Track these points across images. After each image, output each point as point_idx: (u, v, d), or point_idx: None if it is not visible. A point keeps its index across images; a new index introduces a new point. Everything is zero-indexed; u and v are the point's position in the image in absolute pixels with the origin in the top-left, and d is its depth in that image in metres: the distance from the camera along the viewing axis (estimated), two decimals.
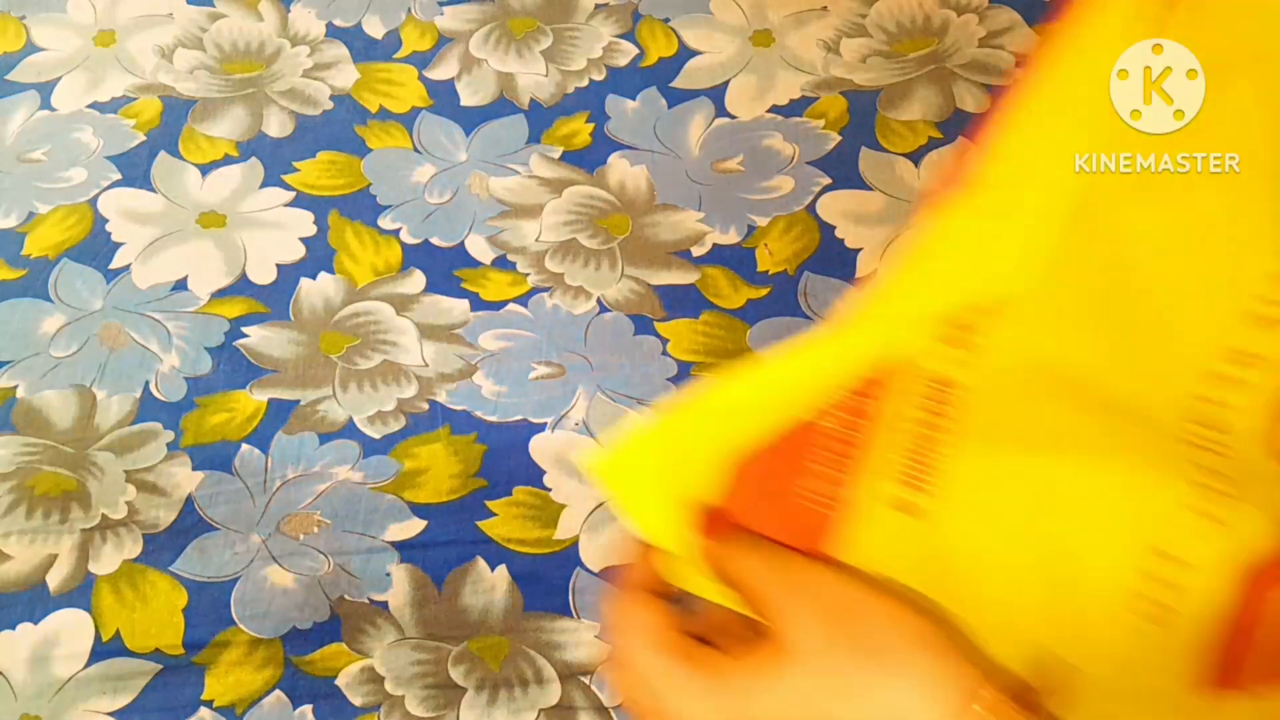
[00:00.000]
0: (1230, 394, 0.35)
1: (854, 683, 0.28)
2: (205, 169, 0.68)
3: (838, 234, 0.67)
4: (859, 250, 0.66)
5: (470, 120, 0.72)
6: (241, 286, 0.64)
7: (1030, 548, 0.34)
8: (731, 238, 0.67)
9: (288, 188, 0.67)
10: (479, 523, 0.57)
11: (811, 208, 0.68)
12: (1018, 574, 0.34)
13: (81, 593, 0.55)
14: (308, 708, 0.52)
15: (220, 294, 0.63)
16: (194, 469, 0.58)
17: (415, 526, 0.57)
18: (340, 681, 0.53)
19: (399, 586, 0.55)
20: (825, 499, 0.34)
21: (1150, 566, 0.33)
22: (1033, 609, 0.34)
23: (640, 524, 0.35)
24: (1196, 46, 0.38)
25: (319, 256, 0.64)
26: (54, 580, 0.55)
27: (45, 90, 0.71)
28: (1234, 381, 0.36)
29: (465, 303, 0.64)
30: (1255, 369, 0.35)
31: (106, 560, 0.55)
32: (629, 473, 0.37)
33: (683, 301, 0.64)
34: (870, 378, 0.37)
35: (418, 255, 0.66)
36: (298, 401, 0.60)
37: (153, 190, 0.67)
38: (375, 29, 0.75)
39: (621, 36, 0.74)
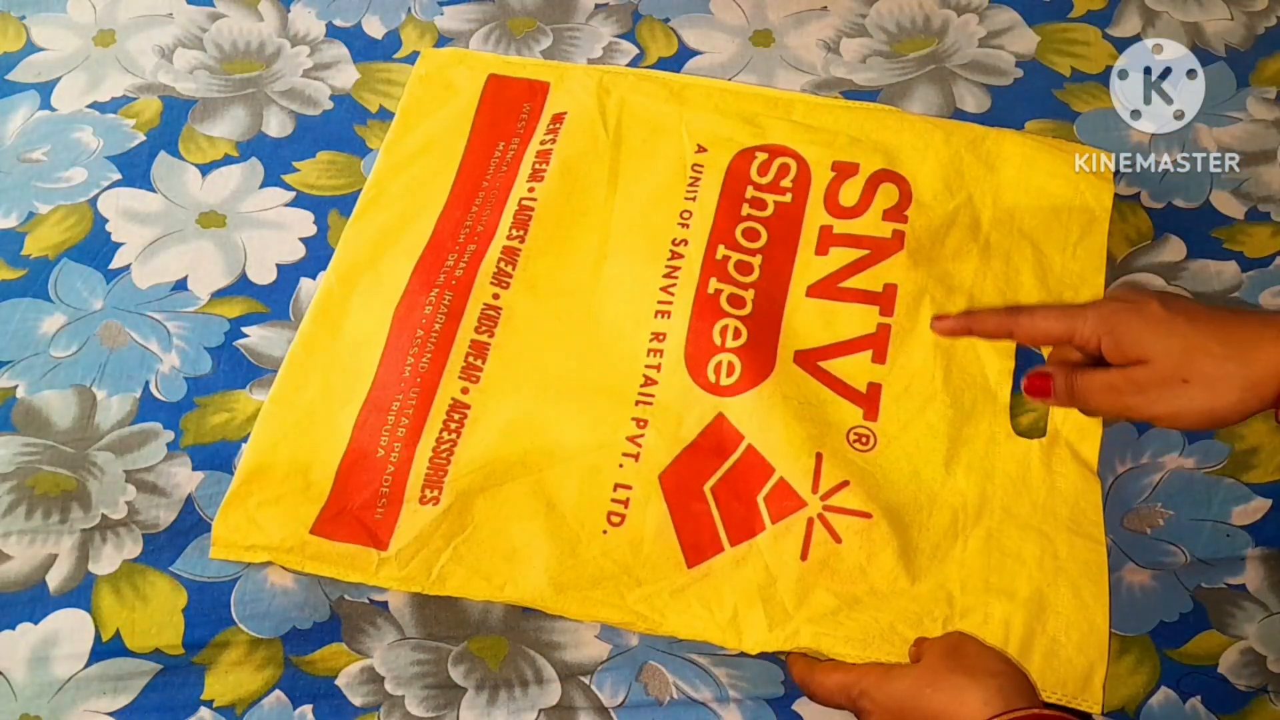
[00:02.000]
0: (656, 360, 0.59)
1: (943, 682, 0.44)
2: (205, 169, 0.68)
3: None
4: None
5: None
6: (241, 286, 0.64)
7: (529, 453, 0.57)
8: None
9: (288, 188, 0.67)
10: None
11: None
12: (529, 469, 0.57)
13: (81, 593, 0.55)
14: (308, 708, 0.52)
15: (220, 294, 0.63)
16: (194, 469, 0.58)
17: None
18: (340, 681, 0.53)
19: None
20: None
21: (612, 494, 0.56)
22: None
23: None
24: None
25: (319, 257, 0.64)
26: (54, 580, 0.55)
27: (45, 90, 0.71)
28: (657, 351, 0.60)
29: None
30: (665, 342, 0.60)
31: (106, 560, 0.55)
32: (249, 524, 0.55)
33: None
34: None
35: None
36: None
37: (153, 190, 0.67)
38: (375, 29, 0.75)
39: (621, 36, 0.74)
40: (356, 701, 0.52)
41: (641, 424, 0.57)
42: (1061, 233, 0.63)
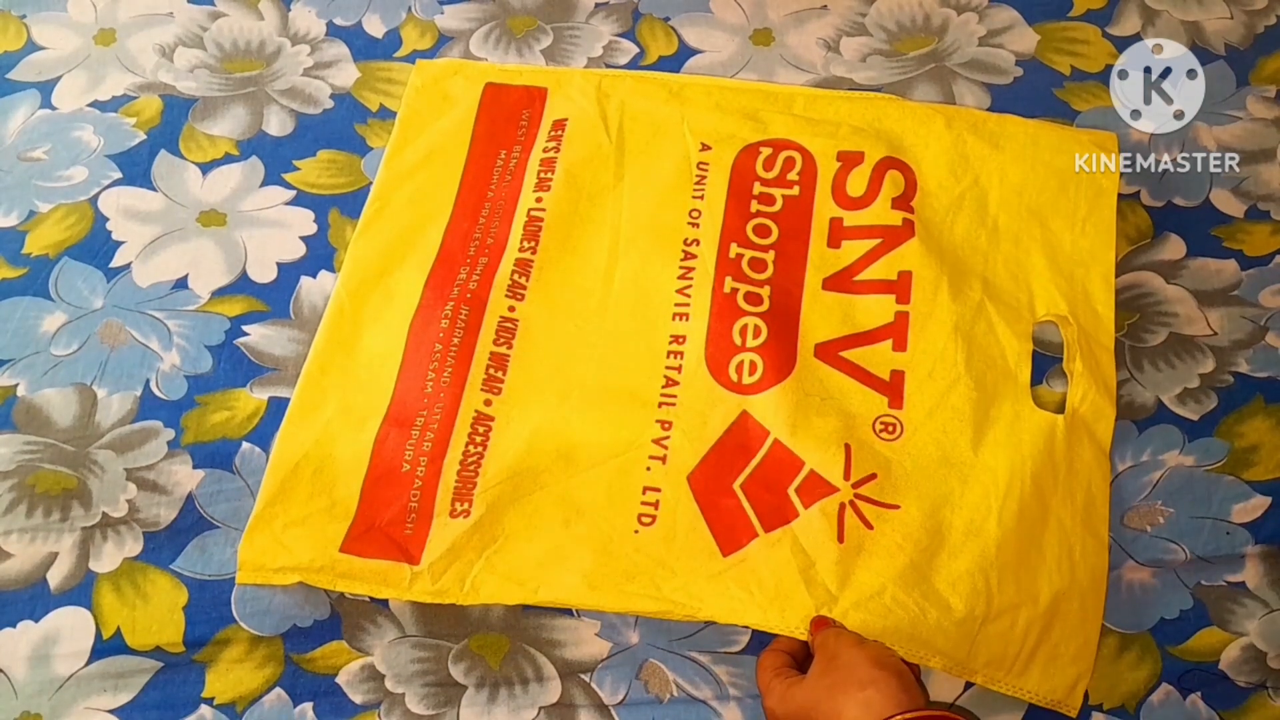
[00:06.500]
0: (677, 361, 0.59)
1: (823, 705, 0.45)
2: (206, 168, 0.68)
3: None
4: None
5: None
6: (242, 285, 0.64)
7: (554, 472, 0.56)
8: None
9: (288, 186, 0.67)
10: None
11: None
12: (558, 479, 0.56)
13: (82, 591, 0.55)
14: (308, 705, 0.52)
15: (220, 292, 0.63)
16: (194, 467, 0.58)
17: None
18: (340, 679, 0.53)
19: None
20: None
21: (641, 497, 0.55)
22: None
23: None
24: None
25: (319, 255, 0.65)
26: (54, 578, 0.55)
27: (46, 89, 0.71)
28: (678, 354, 0.59)
29: None
30: (685, 344, 0.59)
31: (107, 558, 0.55)
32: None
33: None
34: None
35: None
36: None
37: (153, 189, 0.67)
38: (375, 28, 0.75)
39: (621, 35, 0.74)
40: (357, 699, 0.52)
41: (666, 425, 0.57)
42: (1069, 207, 0.63)
